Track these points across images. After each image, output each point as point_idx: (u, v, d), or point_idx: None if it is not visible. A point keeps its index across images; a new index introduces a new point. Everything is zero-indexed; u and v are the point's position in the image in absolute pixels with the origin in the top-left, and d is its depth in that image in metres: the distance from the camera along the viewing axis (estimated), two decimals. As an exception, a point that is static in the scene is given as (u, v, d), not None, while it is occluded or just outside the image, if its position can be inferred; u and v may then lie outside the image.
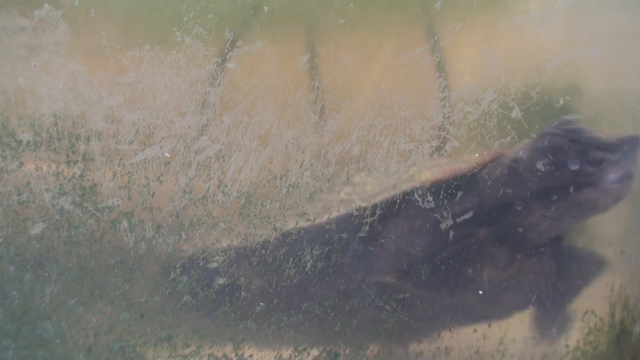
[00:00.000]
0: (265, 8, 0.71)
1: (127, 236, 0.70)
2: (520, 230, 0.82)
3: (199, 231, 0.73)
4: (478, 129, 0.80)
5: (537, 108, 0.81)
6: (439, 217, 0.79)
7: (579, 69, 0.84)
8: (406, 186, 0.77)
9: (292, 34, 0.73)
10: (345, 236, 0.78)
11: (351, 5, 0.74)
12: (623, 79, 0.88)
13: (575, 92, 0.84)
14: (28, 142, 0.66)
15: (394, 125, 0.77)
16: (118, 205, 0.69)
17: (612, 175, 0.77)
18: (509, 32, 0.81)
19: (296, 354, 0.78)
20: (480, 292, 0.82)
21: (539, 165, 0.79)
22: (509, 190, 0.81)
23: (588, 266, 0.89)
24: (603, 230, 0.90)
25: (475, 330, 0.83)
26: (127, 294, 0.71)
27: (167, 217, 0.71)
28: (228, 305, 0.75)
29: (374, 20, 0.76)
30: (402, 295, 0.80)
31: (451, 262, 0.81)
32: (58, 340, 0.70)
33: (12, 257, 0.67)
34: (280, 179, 0.74)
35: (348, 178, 0.77)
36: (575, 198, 0.79)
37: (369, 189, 0.77)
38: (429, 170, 0.78)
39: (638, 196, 0.90)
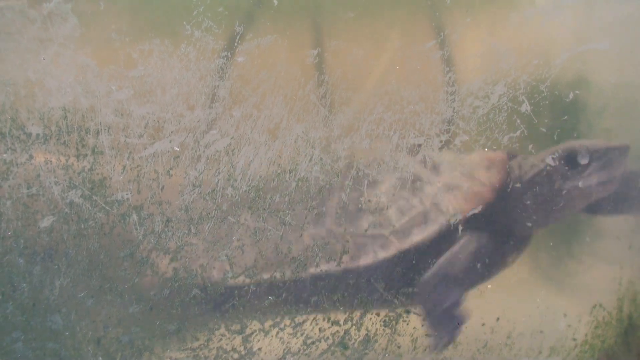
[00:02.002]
0: (275, 1, 0.71)
1: (136, 229, 0.71)
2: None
3: (209, 225, 0.73)
4: (487, 123, 0.79)
5: (547, 102, 0.81)
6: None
7: (589, 63, 0.83)
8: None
9: (302, 28, 0.73)
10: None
11: (361, -2, 0.74)
12: (633, 72, 0.88)
13: (585, 85, 0.83)
14: (37, 135, 0.66)
15: (404, 119, 0.77)
16: (127, 199, 0.69)
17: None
18: (518, 26, 0.80)
19: (305, 347, 0.78)
20: (489, 287, 0.83)
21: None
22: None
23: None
24: (611, 225, 0.90)
25: (483, 324, 0.83)
26: (136, 287, 0.72)
27: (177, 210, 0.71)
28: (237, 298, 0.75)
29: (384, 13, 0.75)
30: (411, 289, 0.80)
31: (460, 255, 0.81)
32: (67, 333, 0.71)
33: (22, 250, 0.68)
34: (290, 173, 0.74)
35: (357, 172, 0.77)
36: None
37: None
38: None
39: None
